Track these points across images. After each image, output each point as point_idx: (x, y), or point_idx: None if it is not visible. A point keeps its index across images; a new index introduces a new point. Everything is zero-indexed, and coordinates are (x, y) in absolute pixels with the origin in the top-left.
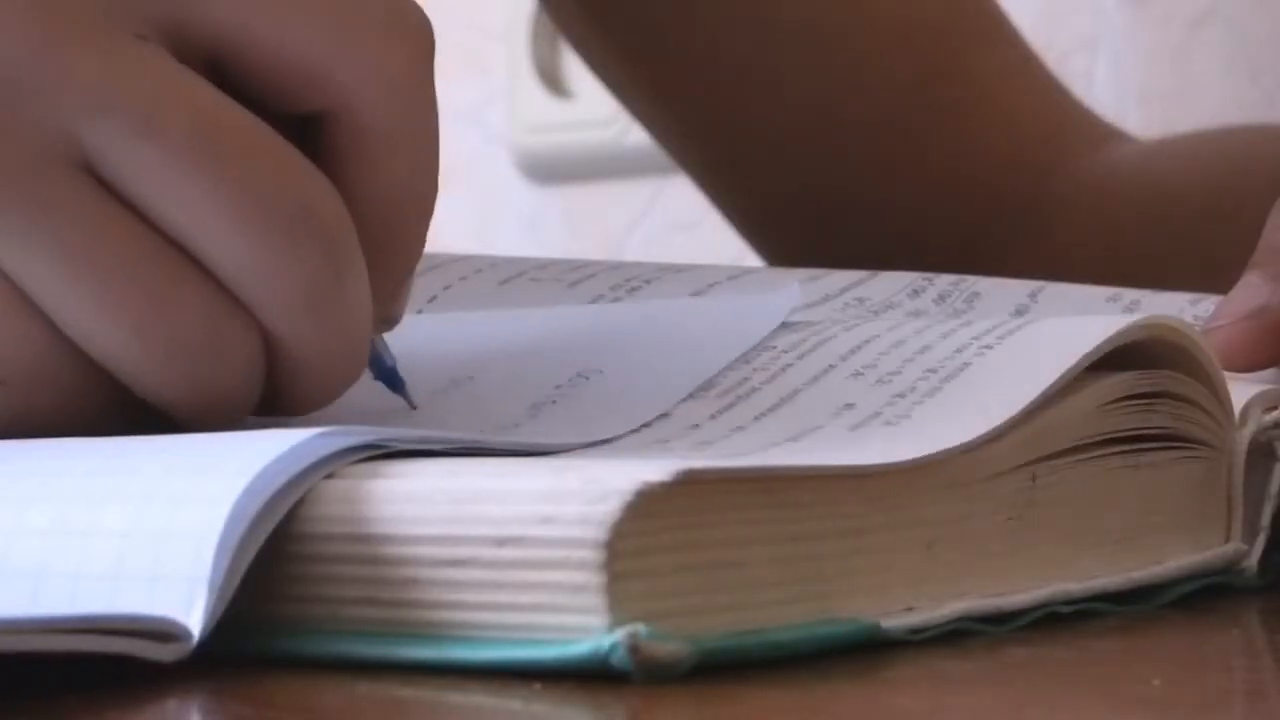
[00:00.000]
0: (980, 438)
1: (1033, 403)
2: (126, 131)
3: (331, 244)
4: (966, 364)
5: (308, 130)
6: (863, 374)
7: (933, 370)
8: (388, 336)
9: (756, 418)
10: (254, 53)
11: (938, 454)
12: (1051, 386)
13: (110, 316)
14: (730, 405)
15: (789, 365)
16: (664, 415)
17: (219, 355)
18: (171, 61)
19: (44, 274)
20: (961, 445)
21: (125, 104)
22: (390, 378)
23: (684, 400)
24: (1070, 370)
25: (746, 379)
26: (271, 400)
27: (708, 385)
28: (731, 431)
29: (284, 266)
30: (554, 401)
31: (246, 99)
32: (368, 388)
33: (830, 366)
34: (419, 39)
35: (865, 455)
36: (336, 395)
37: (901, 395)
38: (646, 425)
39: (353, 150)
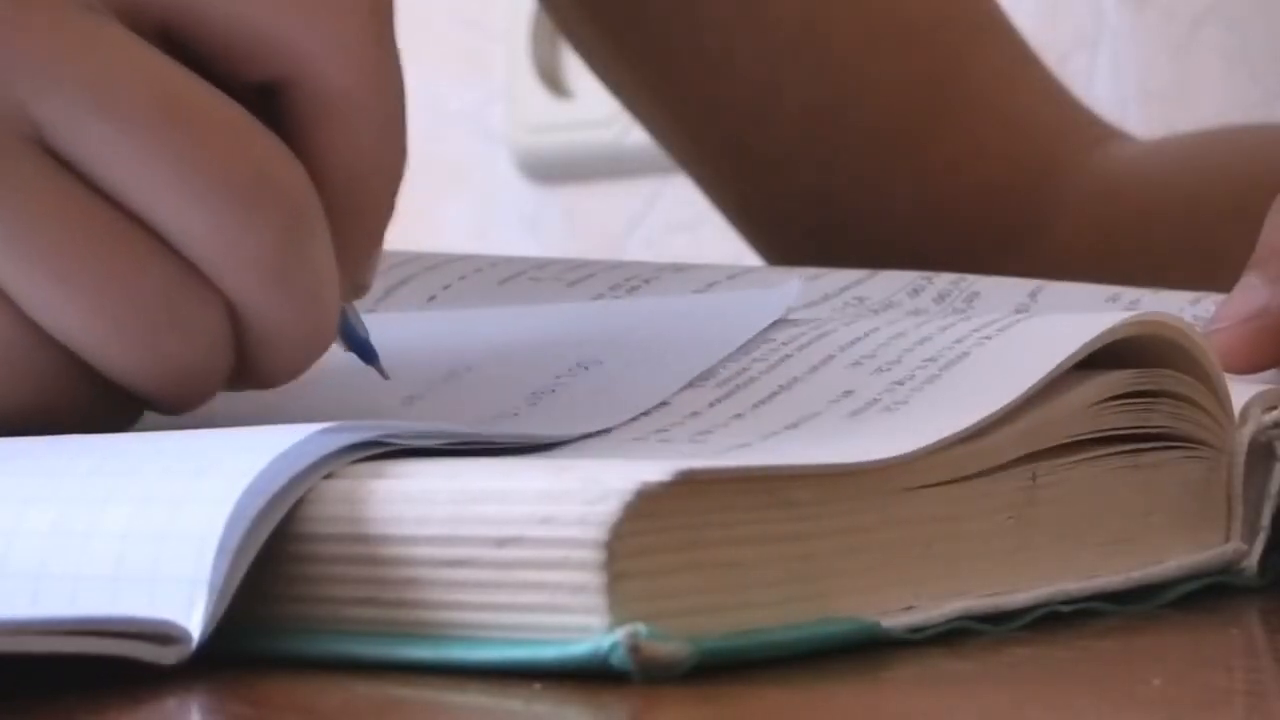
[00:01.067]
0: (979, 423)
1: (1032, 387)
2: (78, 105)
3: (292, 211)
4: (966, 353)
5: (268, 100)
6: (862, 363)
7: (932, 359)
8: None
9: (755, 405)
10: (206, 21)
11: (937, 443)
12: (1051, 374)
13: (68, 293)
14: (729, 394)
15: (788, 356)
16: (663, 403)
17: (182, 327)
18: (123, 31)
19: (1, 254)
20: (961, 431)
21: (76, 77)
22: (363, 349)
23: (683, 389)
24: (1070, 358)
25: (745, 369)
26: (242, 372)
27: (707, 374)
28: (730, 419)
29: (243, 235)
30: (553, 390)
31: (202, 69)
32: (354, 378)
33: (829, 357)
34: (382, 3)
35: (864, 446)
36: (307, 365)
37: (900, 383)
38: (645, 414)
39: (313, 118)
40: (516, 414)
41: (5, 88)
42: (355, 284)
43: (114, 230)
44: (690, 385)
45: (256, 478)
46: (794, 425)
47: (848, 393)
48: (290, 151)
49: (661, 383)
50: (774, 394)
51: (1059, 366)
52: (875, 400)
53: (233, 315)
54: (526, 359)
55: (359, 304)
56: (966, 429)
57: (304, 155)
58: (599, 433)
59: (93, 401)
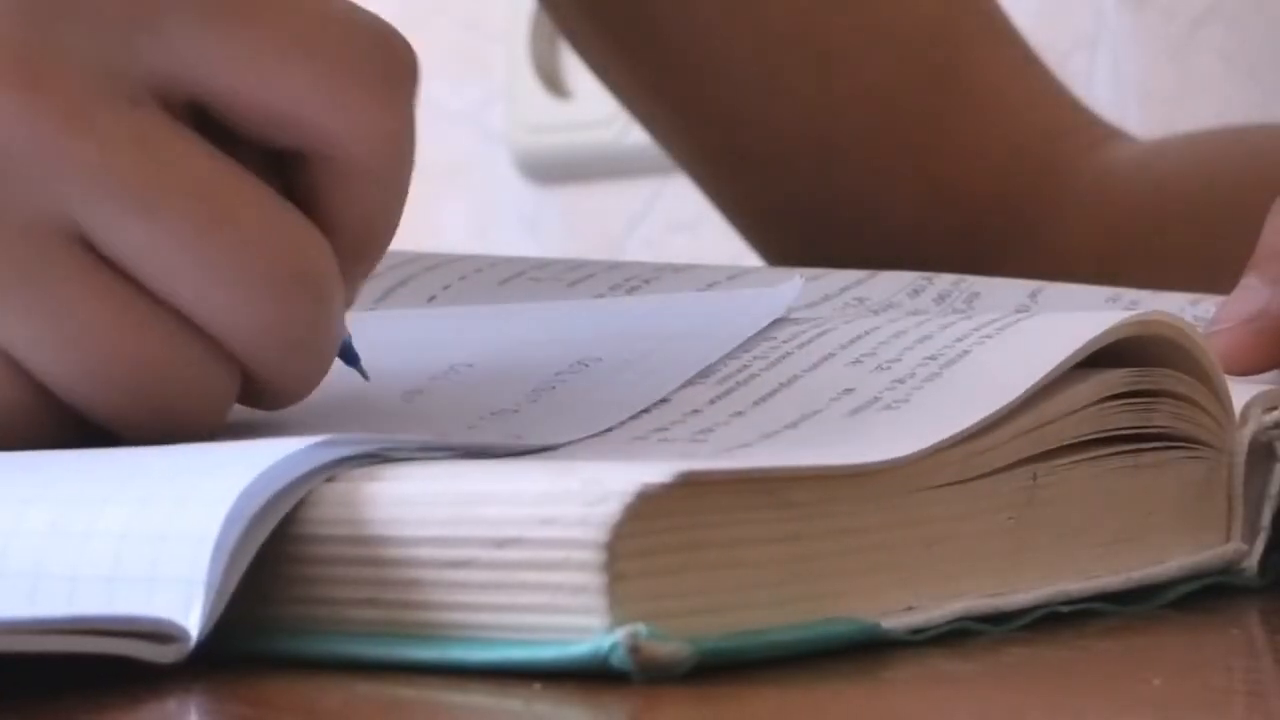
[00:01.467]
0: (981, 422)
1: (1033, 387)
2: (124, 212)
3: (320, 296)
4: (966, 351)
5: (286, 155)
6: (862, 361)
7: (932, 358)
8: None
9: (756, 403)
10: (238, 100)
11: (938, 444)
12: (1051, 373)
13: (101, 385)
14: (729, 391)
15: (788, 354)
16: (663, 401)
17: (197, 398)
18: (165, 127)
19: (31, 339)
20: (962, 432)
21: (121, 185)
22: (345, 352)
23: (683, 386)
24: (1071, 357)
25: (746, 366)
26: (242, 398)
27: (707, 372)
28: (731, 417)
29: (269, 317)
30: (554, 388)
31: (234, 135)
32: (354, 375)
33: (830, 354)
34: (403, 73)
35: (865, 446)
36: (303, 397)
37: (901, 381)
38: (645, 411)
39: (330, 185)
40: (517, 410)
41: (49, 197)
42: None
43: (148, 322)
44: (690, 383)
45: (255, 479)
46: (794, 424)
47: (848, 390)
48: (322, 238)
49: (661, 380)
50: (774, 391)
51: (1060, 366)
52: (876, 399)
53: (246, 374)
54: (527, 355)
55: (357, 303)
56: (968, 429)
57: (319, 214)
58: (600, 433)
59: (79, 439)
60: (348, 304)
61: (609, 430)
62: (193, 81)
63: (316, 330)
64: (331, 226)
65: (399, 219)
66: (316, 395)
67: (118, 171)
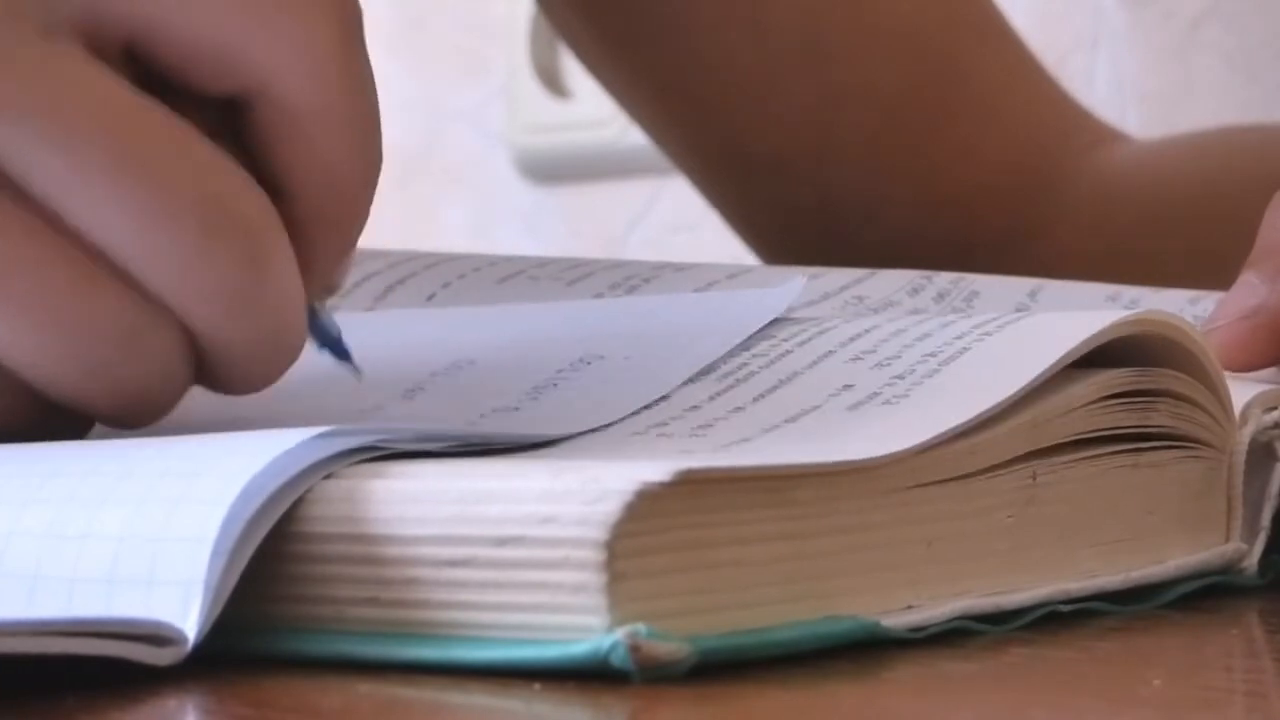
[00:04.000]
0: (979, 416)
1: (1032, 381)
2: (35, 139)
3: (252, 244)
4: (966, 349)
5: (234, 113)
6: (861, 358)
7: (932, 355)
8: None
9: (755, 399)
10: (169, 35)
11: (936, 438)
12: (1051, 368)
13: (19, 325)
14: (729, 388)
15: (788, 352)
16: (663, 397)
17: (137, 357)
18: (81, 59)
19: None
20: (961, 425)
21: (33, 110)
22: (335, 347)
23: (683, 384)
24: (1071, 353)
25: (745, 364)
26: (203, 381)
27: (707, 369)
28: (730, 413)
29: (202, 267)
30: (555, 385)
31: (168, 86)
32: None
33: (829, 352)
34: (341, 11)
35: (864, 442)
36: (274, 379)
37: (900, 377)
38: (645, 407)
39: (279, 130)
40: (517, 408)
41: None
42: (328, 286)
43: (70, 262)
44: (690, 380)
45: (253, 478)
46: (793, 419)
47: (847, 386)
48: (250, 177)
49: (662, 377)
50: (774, 388)
51: (1060, 361)
52: (875, 394)
53: (193, 339)
54: (528, 353)
55: (357, 302)
56: (966, 422)
57: (272, 168)
58: (599, 428)
59: (41, 419)
60: (331, 282)
61: (608, 426)
62: (114, 14)
63: (253, 284)
64: (289, 183)
65: (368, 175)
66: (315, 392)
67: (26, 94)
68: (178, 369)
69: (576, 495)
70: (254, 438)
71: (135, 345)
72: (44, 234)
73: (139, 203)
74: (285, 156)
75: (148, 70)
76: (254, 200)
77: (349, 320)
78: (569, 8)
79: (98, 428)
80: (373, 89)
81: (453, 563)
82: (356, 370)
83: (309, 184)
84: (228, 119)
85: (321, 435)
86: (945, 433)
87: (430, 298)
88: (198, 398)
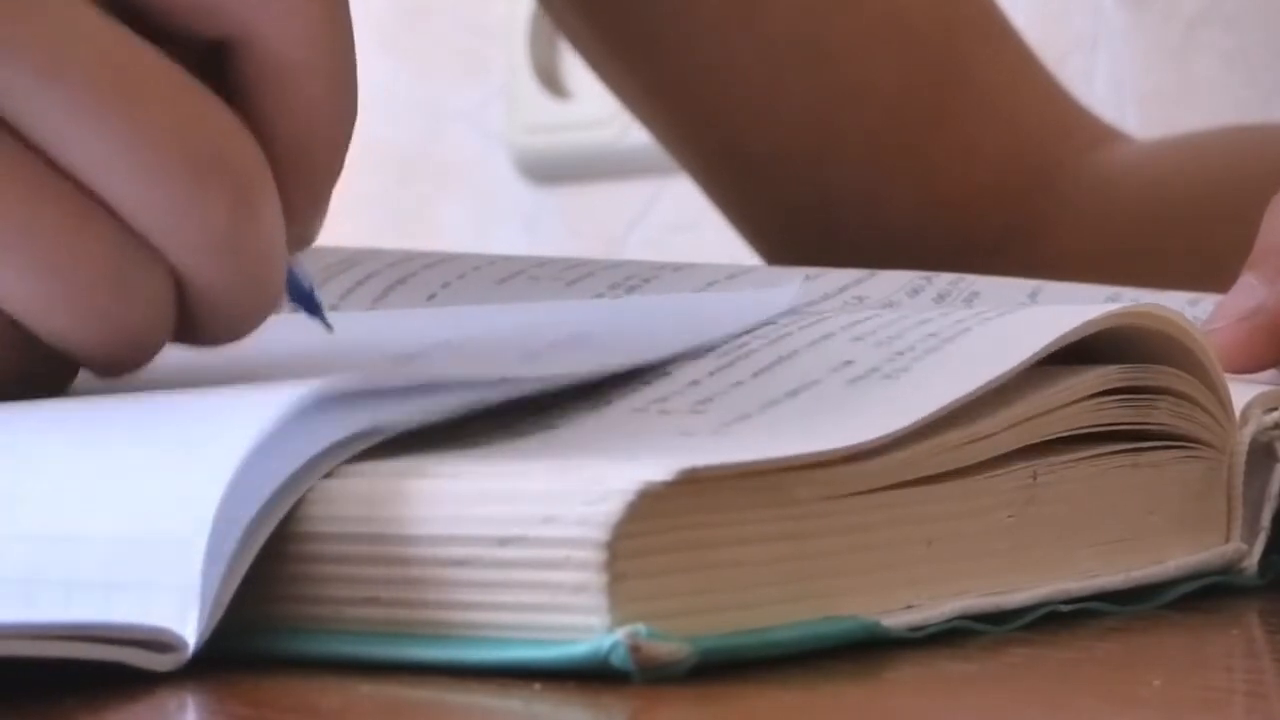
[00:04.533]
0: (980, 388)
1: (1034, 355)
2: (27, 73)
3: (242, 186)
4: (967, 329)
5: (220, 60)
6: (863, 338)
7: (933, 334)
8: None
9: (755, 374)
10: None
11: (938, 410)
12: (1054, 343)
13: (10, 260)
14: (729, 364)
15: (788, 333)
16: (663, 374)
17: (126, 295)
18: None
19: None
20: (962, 397)
21: (25, 44)
22: (307, 301)
23: (683, 361)
24: (1074, 332)
25: (745, 343)
26: (183, 332)
27: (708, 348)
28: (730, 387)
29: (192, 210)
30: (551, 348)
31: (154, 30)
32: (343, 341)
33: (830, 334)
34: None
35: (864, 419)
36: (254, 327)
37: (901, 353)
38: (645, 384)
39: (260, 78)
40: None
41: None
42: (302, 236)
43: (59, 197)
44: (690, 357)
45: (242, 472)
46: (794, 392)
47: (847, 363)
48: (241, 124)
49: (657, 346)
50: (774, 364)
51: (1062, 338)
52: (875, 369)
53: (177, 280)
54: (524, 335)
55: (357, 302)
56: (967, 395)
57: (252, 116)
58: (598, 401)
59: (27, 366)
60: (311, 232)
61: (608, 403)
62: None
63: (242, 228)
64: (266, 129)
65: (345, 127)
66: (302, 359)
67: (19, 28)
68: (165, 313)
69: (578, 495)
70: (235, 408)
71: (125, 286)
72: (37, 172)
73: (130, 141)
74: (266, 104)
75: (137, 17)
76: (244, 144)
77: (349, 319)
78: (569, 7)
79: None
80: (351, 42)
81: (454, 562)
82: (328, 325)
83: (286, 131)
84: (216, 66)
85: (312, 417)
86: (946, 406)
87: (430, 298)
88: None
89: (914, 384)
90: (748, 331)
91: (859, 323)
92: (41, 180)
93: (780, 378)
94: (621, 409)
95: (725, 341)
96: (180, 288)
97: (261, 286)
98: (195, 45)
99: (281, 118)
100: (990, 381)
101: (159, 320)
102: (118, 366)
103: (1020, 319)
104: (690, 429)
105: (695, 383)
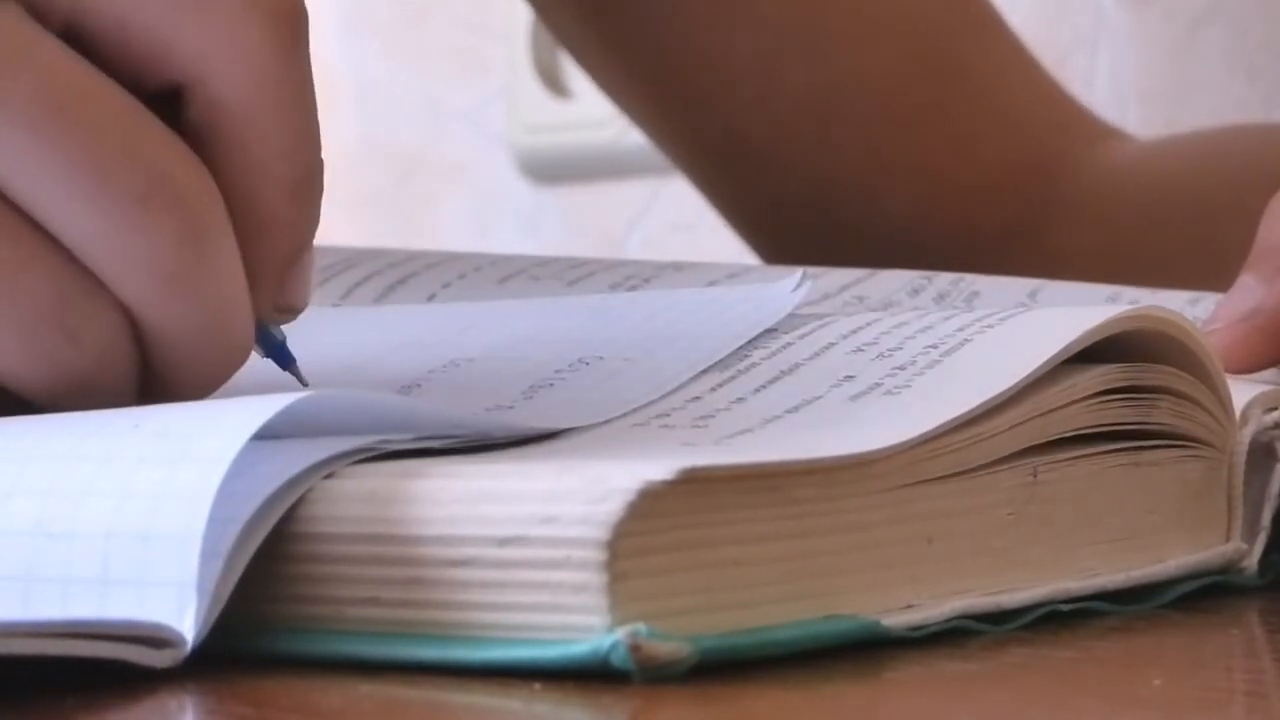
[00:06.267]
0: (981, 406)
1: (1035, 371)
2: None
3: (189, 214)
4: (967, 340)
5: (176, 109)
6: (863, 350)
7: (933, 346)
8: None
9: (756, 390)
10: (105, 19)
11: (939, 427)
12: (1054, 358)
13: None
14: (731, 379)
15: (789, 344)
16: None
17: (71, 333)
18: (21, 20)
19: None
20: (961, 415)
21: None
22: (279, 354)
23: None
24: (1074, 343)
25: (747, 355)
26: (151, 385)
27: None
28: (732, 403)
29: (137, 237)
30: (552, 384)
31: (107, 71)
32: (349, 372)
33: (830, 344)
34: (283, 11)
35: (866, 432)
36: (221, 380)
37: (901, 368)
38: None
39: (212, 128)
40: (512, 407)
41: None
42: (281, 306)
43: (3, 228)
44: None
45: (252, 475)
46: (795, 409)
47: (849, 377)
48: (190, 151)
49: (664, 378)
50: (775, 379)
51: (1061, 352)
52: (876, 384)
53: (134, 325)
54: (527, 353)
55: (358, 302)
56: (967, 412)
57: (206, 163)
58: (599, 424)
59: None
60: (285, 301)
61: (608, 421)
62: None
63: (191, 259)
64: (222, 178)
65: (304, 185)
66: (311, 382)
67: None
68: (116, 357)
69: (579, 495)
70: (227, 408)
71: (68, 317)
72: None
73: (73, 165)
74: (216, 155)
75: (91, 59)
76: (193, 174)
77: (351, 314)
78: (565, 6)
79: None
80: (310, 93)
81: (454, 563)
82: (303, 381)
83: (240, 183)
84: (173, 116)
85: (317, 441)
86: (946, 423)
87: (431, 298)
88: None
89: (916, 400)
90: (749, 342)
91: (859, 331)
92: None
93: (781, 393)
94: (623, 423)
95: (728, 353)
96: (137, 332)
97: (222, 332)
98: (150, 90)
99: (233, 173)
100: (990, 400)
101: (112, 365)
102: (74, 409)
103: (1020, 327)
104: (692, 441)
105: (696, 398)
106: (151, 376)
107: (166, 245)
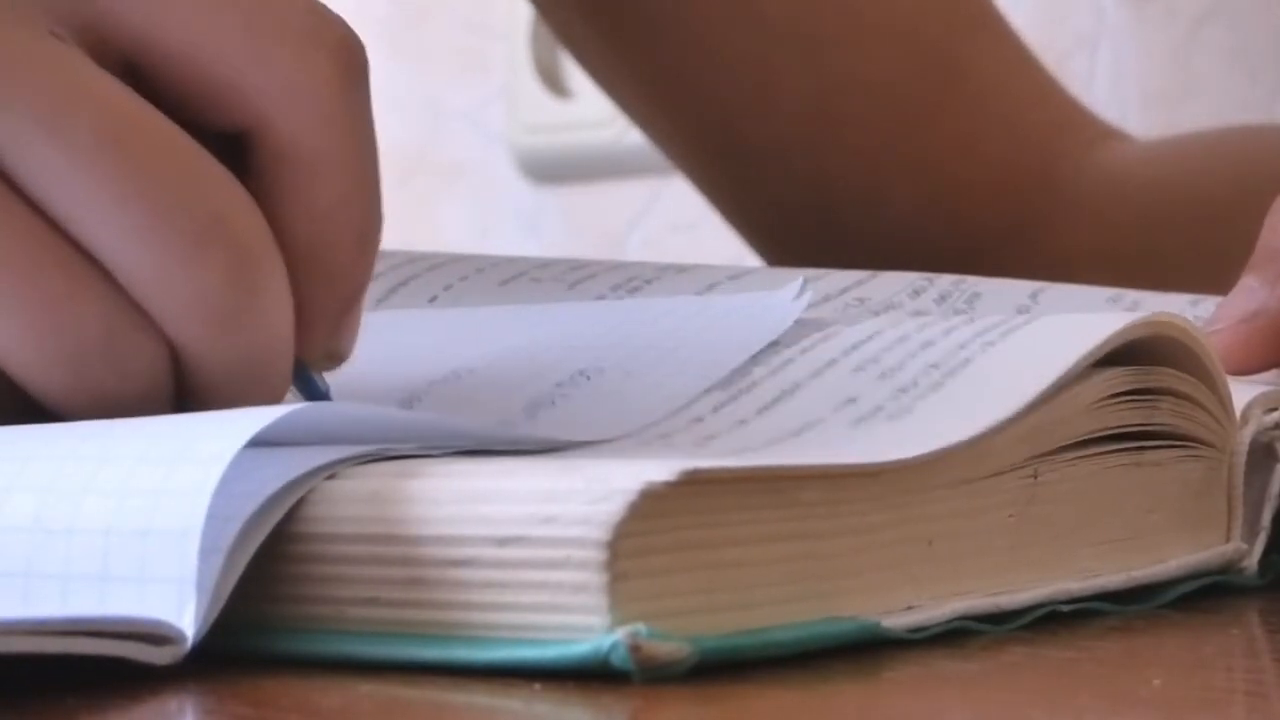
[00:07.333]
0: (982, 433)
1: (1035, 399)
2: (30, 128)
3: (242, 256)
4: (969, 359)
5: (239, 151)
6: (865, 369)
7: (935, 365)
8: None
9: (759, 411)
10: (169, 60)
11: (940, 450)
12: (1055, 384)
13: (4, 315)
14: (733, 398)
15: (791, 360)
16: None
17: (117, 363)
18: (83, 59)
19: None
20: (965, 441)
21: (29, 99)
22: (317, 396)
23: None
24: (1074, 367)
25: (748, 373)
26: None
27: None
28: (734, 425)
29: (189, 276)
30: (553, 402)
31: (171, 113)
32: (352, 377)
33: (832, 361)
34: (345, 55)
35: (868, 451)
36: (246, 401)
37: (904, 390)
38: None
39: (274, 172)
40: (514, 425)
41: None
42: (329, 353)
43: (56, 257)
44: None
45: (252, 474)
46: (797, 433)
47: (851, 400)
48: (247, 194)
49: (665, 396)
50: (777, 400)
51: (1065, 376)
52: (879, 408)
53: (176, 358)
54: (528, 363)
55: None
56: (969, 439)
57: (267, 208)
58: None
59: (16, 418)
60: (333, 348)
61: (611, 440)
62: (118, 31)
63: (239, 303)
64: (282, 223)
65: (366, 226)
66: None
67: (24, 83)
68: (158, 386)
69: (579, 495)
70: (227, 416)
71: (115, 350)
72: (35, 229)
73: (129, 201)
74: (278, 199)
75: (156, 105)
76: (249, 216)
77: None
78: (567, 6)
79: None
80: (372, 139)
81: (454, 563)
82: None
83: (300, 228)
84: (238, 163)
85: (319, 448)
86: (947, 448)
87: (432, 299)
88: None
89: (918, 427)
90: (751, 357)
91: (861, 344)
92: (41, 236)
93: (784, 415)
94: (624, 441)
95: (730, 370)
96: (177, 364)
97: (261, 373)
98: (214, 136)
99: (292, 212)
100: (992, 426)
101: (151, 393)
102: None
103: (1022, 344)
104: (695, 455)
105: (699, 419)
106: (184, 405)
107: (217, 287)
